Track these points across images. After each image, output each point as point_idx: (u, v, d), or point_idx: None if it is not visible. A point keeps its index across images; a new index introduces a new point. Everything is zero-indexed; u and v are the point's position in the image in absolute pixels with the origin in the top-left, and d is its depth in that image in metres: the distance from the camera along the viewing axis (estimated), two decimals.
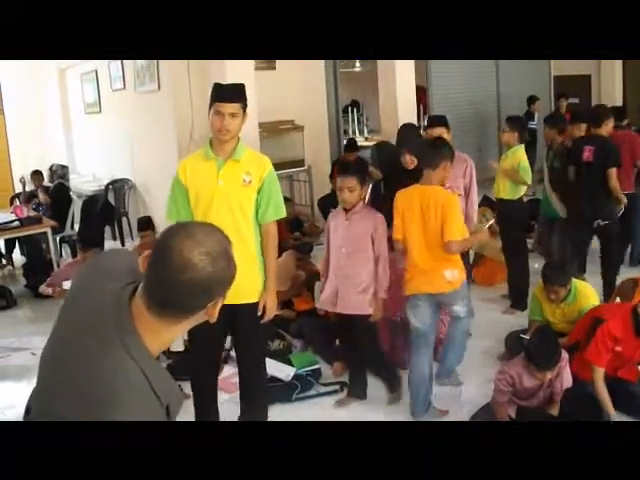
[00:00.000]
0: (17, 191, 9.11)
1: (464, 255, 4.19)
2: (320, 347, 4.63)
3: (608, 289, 5.05)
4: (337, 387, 4.15)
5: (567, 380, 3.49)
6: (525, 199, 5.53)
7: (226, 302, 1.36)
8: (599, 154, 5.02)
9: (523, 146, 5.18)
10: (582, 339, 3.76)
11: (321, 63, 8.37)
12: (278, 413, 3.70)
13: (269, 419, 3.38)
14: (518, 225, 5.24)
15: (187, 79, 6.60)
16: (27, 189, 8.29)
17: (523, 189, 5.20)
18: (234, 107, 2.98)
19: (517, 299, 5.27)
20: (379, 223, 3.76)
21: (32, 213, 6.94)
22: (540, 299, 4.28)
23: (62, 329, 1.42)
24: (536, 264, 5.63)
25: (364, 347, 3.93)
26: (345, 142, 8.57)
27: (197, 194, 3.07)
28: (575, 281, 4.20)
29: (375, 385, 4.08)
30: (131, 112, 8.04)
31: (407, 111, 6.92)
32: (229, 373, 4.24)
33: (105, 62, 8.52)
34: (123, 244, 8.17)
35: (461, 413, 3.78)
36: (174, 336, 1.37)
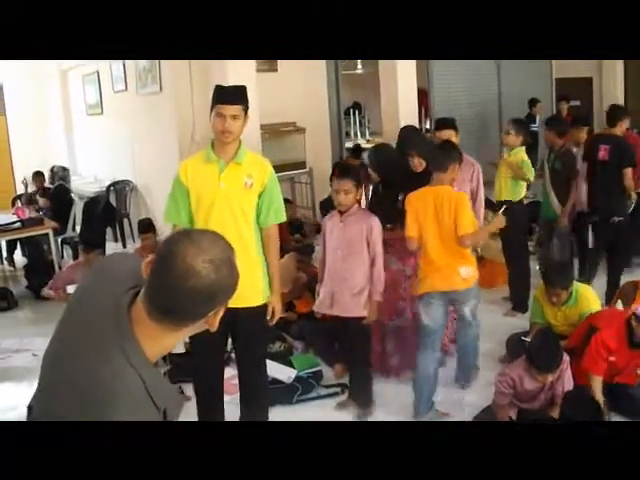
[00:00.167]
0: (19, 192, 9.12)
1: None
2: (321, 349, 4.63)
3: (611, 290, 5.05)
4: (338, 389, 4.14)
5: (568, 383, 3.49)
6: (526, 201, 5.53)
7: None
8: (615, 153, 5.09)
9: (524, 148, 5.18)
10: (579, 345, 3.76)
11: (323, 65, 8.36)
12: (279, 415, 3.70)
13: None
14: (519, 227, 5.24)
15: (189, 81, 6.61)
16: (29, 190, 8.30)
17: (524, 191, 5.20)
18: (236, 109, 2.98)
19: (518, 301, 5.26)
20: (374, 225, 3.75)
21: (34, 214, 6.95)
22: (541, 301, 4.27)
23: (65, 329, 1.43)
24: (537, 266, 5.63)
25: (358, 349, 3.91)
26: (351, 146, 8.58)
27: (198, 196, 3.07)
28: (576, 284, 4.20)
29: (376, 386, 4.08)
30: (133, 114, 8.05)
31: (408, 113, 6.91)
32: (230, 375, 4.23)
33: (107, 64, 8.53)
34: (124, 246, 8.17)
35: (462, 415, 3.77)
36: (173, 343, 1.37)
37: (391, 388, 4.14)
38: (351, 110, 11.32)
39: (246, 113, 3.04)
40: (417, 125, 6.87)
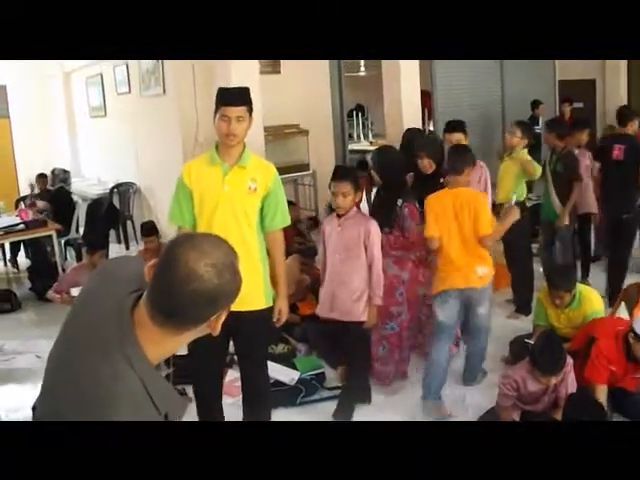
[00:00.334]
0: (22, 194, 9.13)
1: None
2: (324, 351, 4.62)
3: (613, 291, 5.04)
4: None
5: (572, 385, 3.48)
6: (529, 204, 5.52)
7: None
8: (630, 152, 5.15)
9: (526, 150, 5.17)
10: (581, 349, 3.74)
11: (326, 67, 8.37)
12: (282, 417, 3.70)
13: None
14: (521, 229, 5.21)
15: (192, 83, 6.61)
16: (35, 193, 8.32)
17: (525, 192, 5.18)
18: (240, 111, 2.96)
19: (522, 304, 5.25)
20: (372, 229, 3.73)
21: (37, 216, 6.96)
22: (545, 304, 4.26)
23: (69, 331, 1.44)
24: (540, 268, 5.61)
25: (358, 353, 3.90)
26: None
27: (202, 199, 3.06)
28: (580, 286, 4.19)
29: (376, 387, 4.08)
30: (136, 116, 8.06)
31: (412, 115, 6.91)
32: (233, 377, 4.23)
33: (110, 66, 8.55)
34: (128, 247, 8.18)
35: (466, 416, 3.77)
36: (176, 347, 1.38)
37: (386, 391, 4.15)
38: (354, 112, 11.34)
39: (250, 115, 3.03)
40: (420, 127, 6.86)
